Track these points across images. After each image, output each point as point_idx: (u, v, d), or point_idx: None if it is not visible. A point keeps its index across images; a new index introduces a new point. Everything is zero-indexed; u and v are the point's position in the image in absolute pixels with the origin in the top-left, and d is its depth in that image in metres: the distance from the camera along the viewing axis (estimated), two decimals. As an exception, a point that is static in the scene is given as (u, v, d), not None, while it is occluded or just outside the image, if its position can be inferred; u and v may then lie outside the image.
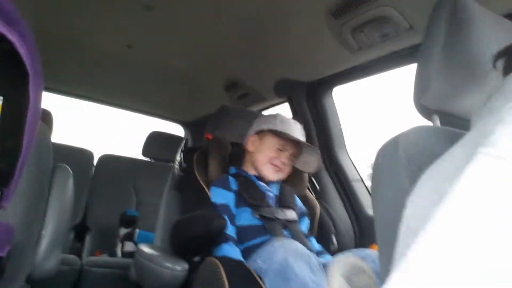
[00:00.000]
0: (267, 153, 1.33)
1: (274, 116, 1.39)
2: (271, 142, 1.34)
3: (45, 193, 0.85)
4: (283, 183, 1.41)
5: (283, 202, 1.33)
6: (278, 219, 1.24)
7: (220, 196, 1.26)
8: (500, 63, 0.55)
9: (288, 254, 0.99)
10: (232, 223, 1.21)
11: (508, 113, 0.33)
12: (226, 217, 1.19)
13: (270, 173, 1.33)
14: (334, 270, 0.79)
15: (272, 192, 1.34)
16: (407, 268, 0.28)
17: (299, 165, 1.41)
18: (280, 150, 1.34)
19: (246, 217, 1.23)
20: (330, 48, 1.46)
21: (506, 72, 0.55)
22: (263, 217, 1.22)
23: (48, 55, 1.87)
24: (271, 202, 1.30)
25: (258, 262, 1.05)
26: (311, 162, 1.40)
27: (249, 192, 1.27)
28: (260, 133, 1.37)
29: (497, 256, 0.26)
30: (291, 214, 1.29)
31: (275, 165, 1.33)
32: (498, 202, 0.28)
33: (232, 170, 1.38)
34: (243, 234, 1.20)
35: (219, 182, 1.30)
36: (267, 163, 1.33)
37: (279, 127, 1.33)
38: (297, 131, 1.36)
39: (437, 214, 0.30)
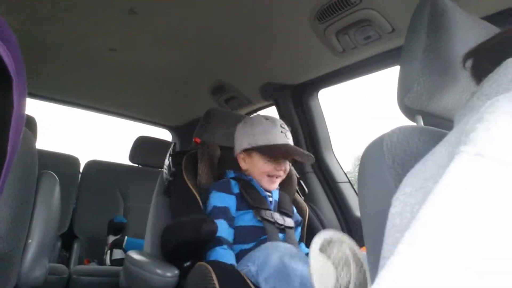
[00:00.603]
0: (261, 168, 1.32)
1: (252, 126, 1.33)
2: (261, 159, 1.32)
3: (31, 200, 0.84)
4: (281, 189, 1.41)
5: (282, 208, 1.34)
6: (278, 223, 1.25)
7: (221, 199, 1.25)
8: (469, 64, 0.57)
9: (283, 254, 1.01)
10: (231, 225, 1.22)
11: (487, 111, 0.34)
12: (223, 220, 1.19)
13: (268, 184, 1.33)
14: (313, 246, 0.80)
15: (272, 197, 1.35)
16: (394, 268, 0.28)
17: (296, 158, 1.36)
18: (273, 160, 1.31)
19: (247, 219, 1.24)
20: (315, 51, 1.47)
21: (474, 72, 0.57)
22: (263, 220, 1.23)
23: (33, 61, 1.86)
24: (271, 206, 1.31)
25: (248, 265, 1.05)
26: (304, 154, 1.33)
27: (251, 194, 1.28)
28: (247, 150, 1.34)
29: (481, 252, 0.27)
30: (289, 221, 1.30)
31: (272, 176, 1.33)
32: (478, 200, 0.29)
33: (231, 173, 1.37)
34: (243, 235, 1.21)
35: (220, 187, 1.29)
36: (263, 176, 1.32)
37: (261, 141, 1.29)
38: (281, 134, 1.31)
39: (422, 213, 0.31)
